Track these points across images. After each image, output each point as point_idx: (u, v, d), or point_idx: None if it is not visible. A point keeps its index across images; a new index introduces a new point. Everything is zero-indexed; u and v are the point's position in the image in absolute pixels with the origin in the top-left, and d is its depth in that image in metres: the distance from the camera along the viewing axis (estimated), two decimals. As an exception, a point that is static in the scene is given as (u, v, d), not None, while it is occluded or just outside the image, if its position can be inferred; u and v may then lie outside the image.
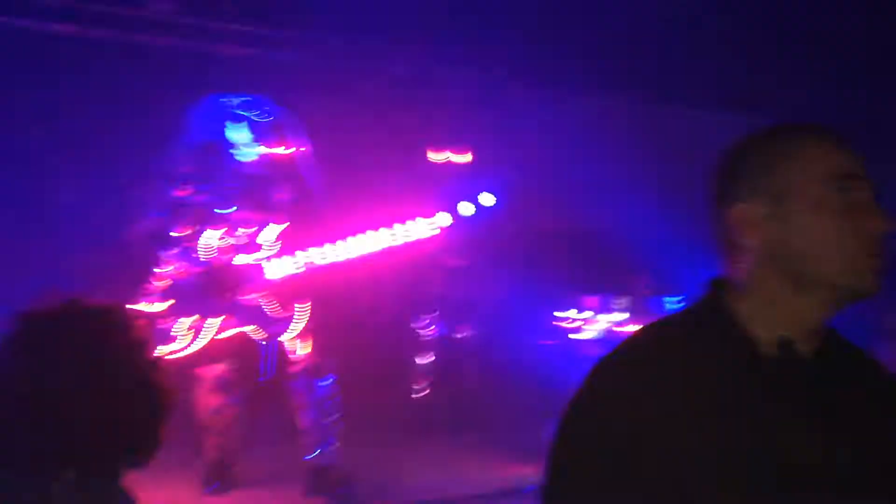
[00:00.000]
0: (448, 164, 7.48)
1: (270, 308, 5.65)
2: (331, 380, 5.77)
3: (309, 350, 5.74)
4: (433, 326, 7.66)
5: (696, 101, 8.86)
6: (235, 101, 5.72)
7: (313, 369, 5.76)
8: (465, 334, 7.73)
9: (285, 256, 5.65)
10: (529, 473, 6.00)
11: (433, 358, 7.65)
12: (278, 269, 5.64)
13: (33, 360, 1.76)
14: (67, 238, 6.71)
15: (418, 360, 7.68)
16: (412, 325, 7.71)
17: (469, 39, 7.52)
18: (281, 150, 5.79)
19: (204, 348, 5.61)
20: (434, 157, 7.50)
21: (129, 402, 1.79)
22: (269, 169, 5.80)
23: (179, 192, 5.67)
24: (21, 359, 1.77)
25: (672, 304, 6.69)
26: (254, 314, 5.65)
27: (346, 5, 7.30)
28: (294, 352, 5.74)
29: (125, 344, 1.83)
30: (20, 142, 6.96)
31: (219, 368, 5.73)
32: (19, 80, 7.17)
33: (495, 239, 6.93)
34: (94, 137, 7.26)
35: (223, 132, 5.71)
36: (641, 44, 8.12)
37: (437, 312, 7.63)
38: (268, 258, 5.65)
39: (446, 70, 7.71)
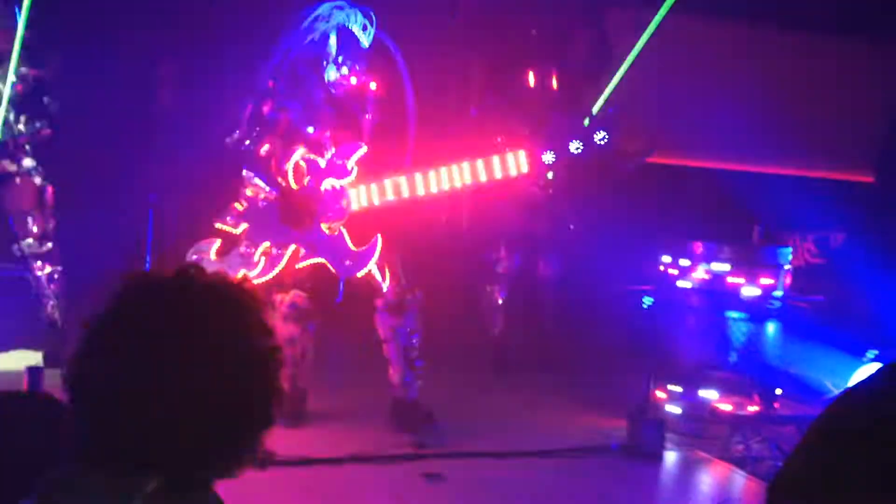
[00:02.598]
0: (551, 92, 7.00)
1: (348, 238, 5.36)
2: (413, 315, 5.50)
3: (390, 284, 5.46)
4: (510, 261, 7.26)
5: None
6: (331, 13, 5.36)
7: (396, 304, 5.49)
8: (547, 272, 7.31)
9: (367, 184, 5.33)
10: (610, 428, 5.65)
11: (506, 295, 7.27)
12: (359, 197, 5.34)
13: (126, 342, 1.45)
14: (167, 149, 6.62)
15: (494, 297, 7.31)
16: (487, 258, 7.30)
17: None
18: (373, 70, 5.45)
19: (278, 275, 5.37)
20: (535, 82, 7.02)
21: (230, 401, 1.46)
22: (358, 89, 5.44)
23: (265, 108, 5.37)
24: (112, 339, 1.46)
25: (785, 256, 6.15)
26: (331, 244, 5.37)
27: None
28: (375, 285, 5.47)
29: (237, 330, 1.50)
30: (124, 53, 6.86)
31: (293, 297, 5.51)
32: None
33: (597, 175, 6.46)
34: (198, 49, 7.12)
35: (316, 46, 5.38)
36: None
37: (516, 247, 7.21)
38: (350, 185, 5.33)
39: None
